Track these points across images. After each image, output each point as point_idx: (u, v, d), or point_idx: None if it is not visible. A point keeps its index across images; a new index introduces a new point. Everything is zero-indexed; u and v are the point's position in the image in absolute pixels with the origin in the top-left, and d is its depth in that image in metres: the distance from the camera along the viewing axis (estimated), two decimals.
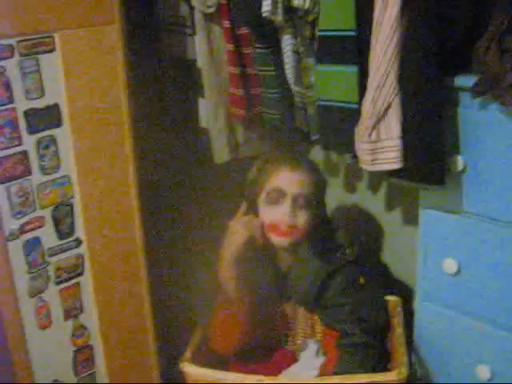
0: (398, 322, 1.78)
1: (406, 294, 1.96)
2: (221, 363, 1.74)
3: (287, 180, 1.68)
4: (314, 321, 1.94)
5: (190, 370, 1.65)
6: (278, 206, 1.68)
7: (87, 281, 1.70)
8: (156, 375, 1.90)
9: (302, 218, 1.68)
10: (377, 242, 2.14)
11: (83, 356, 1.75)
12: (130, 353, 1.83)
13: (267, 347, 1.87)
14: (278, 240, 1.69)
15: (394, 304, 1.85)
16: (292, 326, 1.95)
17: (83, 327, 1.73)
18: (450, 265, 1.60)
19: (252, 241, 1.68)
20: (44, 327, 1.65)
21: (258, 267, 1.77)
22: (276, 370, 1.75)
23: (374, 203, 2.11)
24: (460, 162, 1.50)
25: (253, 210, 1.74)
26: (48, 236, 1.60)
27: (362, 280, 1.75)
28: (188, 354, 1.71)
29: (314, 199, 1.72)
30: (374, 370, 1.63)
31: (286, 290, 1.82)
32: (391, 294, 1.89)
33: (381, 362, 1.69)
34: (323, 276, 1.71)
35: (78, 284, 1.69)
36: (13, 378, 1.60)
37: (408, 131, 1.43)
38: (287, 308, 1.92)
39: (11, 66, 1.45)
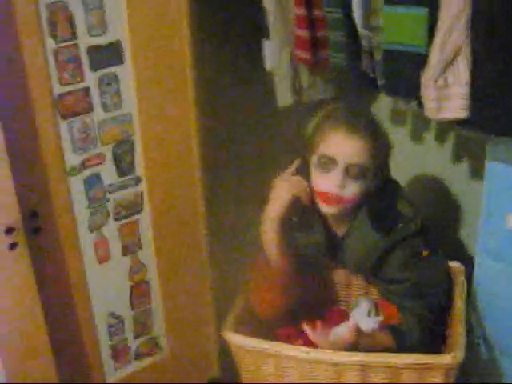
0: (459, 293, 1.66)
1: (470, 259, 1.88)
2: (266, 328, 1.69)
3: (340, 147, 1.53)
4: (369, 288, 1.87)
5: (232, 338, 1.61)
6: (329, 174, 1.54)
7: (146, 218, 1.73)
8: (210, 314, 1.92)
9: (353, 189, 1.55)
10: (443, 201, 2.08)
11: (140, 291, 1.79)
12: (186, 291, 1.86)
13: (317, 307, 1.80)
14: (325, 207, 1.58)
15: (458, 272, 1.74)
16: (345, 288, 1.90)
17: (141, 263, 1.76)
18: None
19: (298, 202, 1.60)
20: (102, 261, 1.69)
21: (305, 230, 1.68)
22: (327, 328, 1.64)
23: (441, 155, 2.05)
24: None
25: (304, 169, 1.64)
26: (108, 173, 1.63)
27: (425, 253, 1.61)
28: (230, 321, 1.65)
29: (372, 167, 1.57)
30: (429, 347, 1.56)
31: (340, 255, 1.71)
32: (455, 259, 1.77)
33: (437, 339, 1.62)
34: (383, 248, 1.59)
35: (136, 221, 1.72)
36: (71, 309, 1.65)
37: (478, 79, 1.36)
38: (341, 273, 1.86)
39: (75, 2, 1.45)
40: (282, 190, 1.58)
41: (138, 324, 1.82)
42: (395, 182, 1.71)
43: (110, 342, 1.78)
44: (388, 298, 1.67)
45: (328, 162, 1.54)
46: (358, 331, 1.52)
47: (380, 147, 1.58)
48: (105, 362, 1.78)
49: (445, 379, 1.47)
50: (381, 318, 1.73)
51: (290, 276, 1.60)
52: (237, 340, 1.61)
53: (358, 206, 1.60)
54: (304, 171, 1.63)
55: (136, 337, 1.83)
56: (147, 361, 1.87)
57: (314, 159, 1.59)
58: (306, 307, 1.72)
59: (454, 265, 1.75)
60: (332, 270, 1.85)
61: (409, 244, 1.58)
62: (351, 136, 1.53)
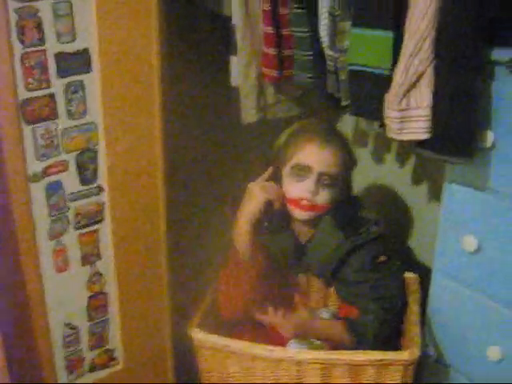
0: (414, 299, 1.76)
1: (426, 273, 1.94)
2: (229, 331, 1.73)
3: (314, 156, 1.65)
4: (328, 293, 1.96)
5: (198, 335, 1.65)
6: (302, 182, 1.66)
7: (106, 228, 1.71)
8: (168, 328, 1.91)
9: (325, 197, 1.67)
10: (401, 217, 2.13)
11: (97, 302, 1.77)
12: (144, 302, 1.85)
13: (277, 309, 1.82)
14: (298, 213, 1.68)
15: (413, 281, 1.84)
16: (305, 296, 1.95)
17: (99, 274, 1.74)
18: (470, 242, 1.58)
19: (270, 206, 1.67)
20: (61, 270, 1.67)
21: (274, 234, 1.76)
22: (285, 339, 1.73)
23: (400, 176, 2.09)
24: (490, 137, 1.46)
25: (276, 177, 1.72)
26: (70, 181, 1.61)
27: (382, 258, 1.73)
28: (196, 319, 1.70)
29: (340, 178, 1.69)
30: (383, 347, 1.61)
31: (303, 260, 1.80)
32: (410, 271, 1.88)
33: (392, 340, 1.70)
34: (344, 251, 1.68)
35: (97, 231, 1.70)
36: (27, 318, 1.62)
37: (439, 101, 1.40)
38: (301, 278, 1.92)
39: (44, 8, 1.44)
40: (257, 194, 1.65)
41: (94, 335, 1.80)
42: (356, 196, 1.83)
43: (64, 353, 1.75)
44: (347, 300, 1.74)
45: (302, 171, 1.65)
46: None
47: (347, 160, 1.71)
48: (58, 373, 1.75)
49: (403, 376, 1.55)
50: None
51: (259, 275, 1.67)
52: (202, 337, 1.65)
53: (323, 214, 1.70)
54: (276, 179, 1.71)
55: (91, 348, 1.80)
56: (102, 373, 1.85)
57: (286, 169, 1.69)
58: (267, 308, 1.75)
59: (409, 275, 1.87)
60: (294, 276, 1.89)
61: (369, 248, 1.69)
62: (325, 147, 1.65)
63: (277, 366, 1.59)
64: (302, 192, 1.65)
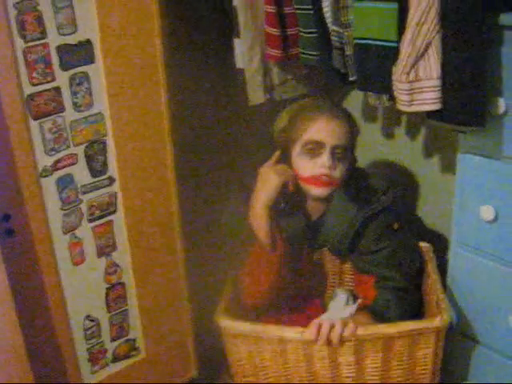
0: (432, 268, 1.77)
1: (440, 244, 1.93)
2: (253, 318, 1.71)
3: (325, 130, 1.64)
4: (343, 270, 1.97)
5: (226, 323, 1.64)
6: (317, 158, 1.65)
7: (120, 219, 1.71)
8: (187, 314, 1.91)
9: (340, 170, 1.67)
10: (413, 190, 2.11)
11: (116, 293, 1.77)
12: (162, 291, 1.85)
13: (298, 299, 1.86)
14: (316, 191, 1.67)
15: (427, 250, 1.84)
16: (321, 276, 1.95)
17: (116, 264, 1.74)
18: (487, 212, 1.57)
19: (284, 188, 1.66)
20: (77, 263, 1.67)
21: (288, 215, 1.74)
22: (308, 322, 1.67)
23: (411, 149, 2.07)
24: (501, 104, 1.44)
25: (284, 159, 1.71)
26: (81, 173, 1.61)
27: (395, 225, 1.74)
28: (222, 307, 1.68)
29: (349, 149, 1.70)
30: (408, 315, 1.64)
31: (316, 239, 1.79)
32: (423, 241, 1.88)
33: (416, 307, 1.70)
34: (358, 223, 1.69)
35: (110, 222, 1.70)
36: (46, 313, 1.63)
37: (448, 71, 1.38)
38: (316, 258, 1.91)
39: (44, 0, 1.43)
40: (272, 177, 1.64)
41: (115, 326, 1.80)
42: (363, 167, 1.88)
43: (86, 346, 1.75)
44: (365, 270, 1.75)
45: (315, 147, 1.64)
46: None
47: (353, 131, 1.72)
48: (81, 366, 1.75)
49: (435, 344, 1.56)
50: (358, 302, 1.78)
51: (279, 258, 1.66)
52: (231, 325, 1.63)
53: (337, 189, 1.70)
54: (284, 161, 1.71)
55: (113, 339, 1.81)
56: (124, 363, 1.85)
57: (296, 149, 1.67)
58: (288, 296, 1.77)
59: (424, 244, 1.86)
60: (311, 254, 1.88)
61: (382, 217, 1.70)
62: (333, 120, 1.65)
63: (309, 347, 1.58)
64: (320, 168, 1.64)
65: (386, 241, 1.70)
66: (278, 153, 1.73)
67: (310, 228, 1.77)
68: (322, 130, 1.64)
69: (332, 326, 1.53)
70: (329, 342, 1.54)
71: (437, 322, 1.55)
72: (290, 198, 1.71)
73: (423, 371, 1.61)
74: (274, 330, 1.59)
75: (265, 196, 1.63)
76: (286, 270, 1.69)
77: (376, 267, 1.70)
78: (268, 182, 1.64)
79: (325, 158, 1.63)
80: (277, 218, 1.69)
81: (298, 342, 1.58)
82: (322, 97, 1.86)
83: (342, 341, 1.54)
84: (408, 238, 1.78)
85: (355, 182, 1.73)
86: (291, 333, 1.58)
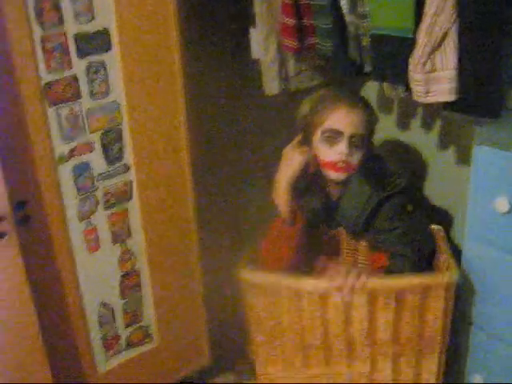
0: (443, 246, 1.82)
1: (453, 234, 1.94)
2: None
3: (343, 120, 1.73)
4: (357, 248, 2.00)
5: (247, 274, 1.70)
6: (335, 146, 1.74)
7: (135, 206, 1.72)
8: (201, 302, 1.93)
9: (357, 157, 1.76)
10: (428, 181, 2.10)
11: (130, 280, 1.79)
12: (176, 279, 1.86)
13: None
14: (334, 175, 1.77)
15: (439, 231, 1.90)
16: (336, 254, 1.99)
17: (130, 252, 1.76)
18: (502, 204, 1.56)
19: (306, 168, 1.76)
20: (93, 250, 1.69)
21: (309, 194, 1.83)
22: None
23: (426, 141, 2.06)
24: None
25: (306, 143, 1.79)
26: (97, 161, 1.62)
27: (409, 207, 1.83)
28: (243, 261, 1.75)
29: (367, 137, 1.79)
30: None
31: (334, 218, 1.86)
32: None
33: None
34: (374, 203, 1.77)
35: (125, 209, 1.72)
36: (61, 299, 1.65)
37: (464, 62, 1.37)
38: (332, 236, 1.97)
39: None
40: (295, 157, 1.74)
41: (129, 313, 1.82)
42: (379, 153, 1.92)
43: (100, 332, 1.77)
44: (379, 248, 1.80)
45: (334, 135, 1.73)
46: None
47: (371, 119, 1.80)
48: (96, 352, 1.78)
49: (445, 300, 1.62)
50: None
51: (298, 232, 1.75)
52: (252, 276, 1.69)
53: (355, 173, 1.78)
54: (305, 144, 1.79)
55: (126, 326, 1.83)
56: (138, 350, 1.87)
57: (317, 136, 1.76)
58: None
59: (434, 226, 1.92)
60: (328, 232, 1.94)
61: (396, 199, 1.78)
62: (352, 110, 1.73)
63: (324, 300, 1.64)
64: (338, 155, 1.73)
65: (400, 221, 1.76)
66: (299, 136, 1.81)
67: (329, 208, 1.86)
68: (341, 119, 1.73)
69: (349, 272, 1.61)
70: (346, 288, 1.60)
71: (446, 276, 1.62)
72: (311, 179, 1.81)
73: (433, 331, 1.67)
74: (291, 280, 1.65)
75: (287, 174, 1.73)
76: (304, 245, 1.77)
77: (389, 245, 1.76)
78: (291, 161, 1.74)
79: (343, 146, 1.72)
80: (297, 197, 1.78)
81: (313, 293, 1.63)
82: (342, 86, 1.93)
83: (357, 287, 1.59)
84: (420, 220, 1.85)
85: (372, 166, 1.81)
86: (308, 282, 1.64)
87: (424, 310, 1.64)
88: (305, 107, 1.81)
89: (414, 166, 2.11)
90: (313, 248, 1.85)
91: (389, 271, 1.70)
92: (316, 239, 1.88)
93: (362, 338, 1.67)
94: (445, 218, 2.04)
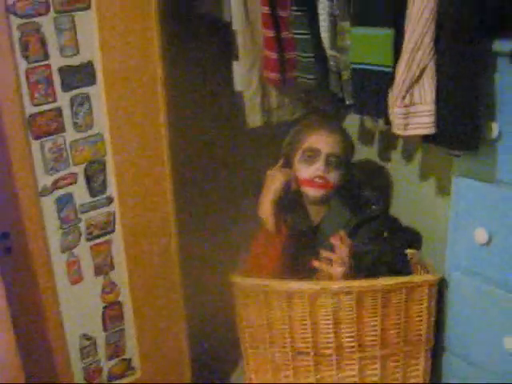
0: (419, 271, 1.92)
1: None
2: None
3: (322, 140, 1.88)
4: None
5: (238, 279, 1.79)
6: (313, 164, 1.88)
7: (118, 238, 1.73)
8: (185, 334, 1.92)
9: (334, 176, 1.90)
10: (408, 211, 2.12)
11: (112, 312, 1.78)
12: (159, 311, 1.85)
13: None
14: (312, 192, 1.90)
15: (414, 255, 1.99)
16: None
17: (113, 283, 1.75)
18: (481, 234, 1.58)
19: (288, 187, 1.88)
20: (75, 282, 1.68)
21: (291, 212, 1.94)
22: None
23: (407, 173, 2.09)
24: (495, 129, 1.46)
25: (288, 165, 1.94)
26: (80, 193, 1.63)
27: (385, 234, 1.94)
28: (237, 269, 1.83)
29: (344, 159, 1.93)
30: None
31: (317, 240, 1.92)
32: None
33: None
34: (351, 226, 1.86)
35: (109, 241, 1.72)
36: (43, 330, 1.64)
37: (443, 95, 1.41)
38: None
39: (46, 23, 1.46)
40: (278, 177, 1.88)
41: (111, 345, 1.81)
42: (358, 179, 2.04)
43: (82, 364, 1.76)
44: (355, 271, 1.82)
45: (312, 154, 1.88)
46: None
47: (348, 144, 1.96)
48: None
49: (428, 299, 1.72)
50: None
51: (283, 242, 1.86)
52: (243, 281, 1.78)
53: (332, 196, 1.92)
54: (287, 167, 1.94)
55: (109, 358, 1.81)
56: (120, 382, 1.86)
57: (298, 156, 1.91)
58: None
59: (410, 251, 2.00)
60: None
61: (373, 224, 1.90)
62: (330, 131, 1.91)
63: (314, 301, 1.72)
64: (315, 171, 1.88)
65: (375, 245, 1.86)
66: (282, 160, 1.96)
67: (311, 231, 1.95)
68: (319, 139, 1.89)
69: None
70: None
71: (429, 275, 1.75)
72: (292, 198, 1.92)
73: (418, 333, 1.76)
74: (281, 283, 1.75)
75: (271, 192, 1.86)
76: (291, 253, 1.86)
77: (364, 268, 1.81)
78: (274, 181, 1.87)
79: (320, 163, 1.87)
80: (282, 212, 1.89)
81: (303, 295, 1.71)
82: (326, 115, 2.08)
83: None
84: (396, 244, 1.94)
85: (350, 191, 1.94)
86: (297, 284, 1.72)
87: (409, 309, 1.73)
88: (290, 135, 1.97)
89: (394, 194, 2.15)
90: (297, 261, 1.90)
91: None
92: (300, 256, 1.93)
93: (351, 341, 1.74)
94: (423, 246, 2.07)
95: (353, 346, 1.75)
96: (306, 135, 1.91)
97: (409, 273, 1.90)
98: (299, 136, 1.93)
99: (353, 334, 1.74)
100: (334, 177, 1.90)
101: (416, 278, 1.76)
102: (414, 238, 2.11)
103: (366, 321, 1.73)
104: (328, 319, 1.73)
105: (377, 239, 1.89)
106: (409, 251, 1.99)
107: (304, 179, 1.90)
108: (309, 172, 1.89)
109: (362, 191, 1.96)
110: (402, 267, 1.88)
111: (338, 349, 1.75)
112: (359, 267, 1.80)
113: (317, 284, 1.72)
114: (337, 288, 1.70)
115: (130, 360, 1.86)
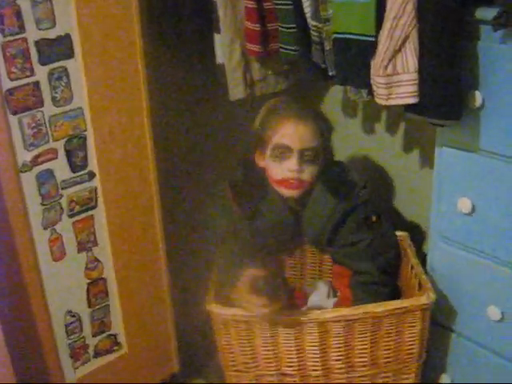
0: (410, 253, 1.81)
1: (419, 236, 1.96)
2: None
3: (292, 135, 1.66)
4: (322, 261, 2.02)
5: (217, 309, 1.66)
6: (285, 162, 1.68)
7: (101, 214, 1.71)
8: (170, 309, 1.92)
9: (310, 171, 1.70)
10: (392, 184, 2.13)
11: (97, 288, 1.77)
12: (144, 287, 1.85)
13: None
14: (287, 192, 1.72)
15: (404, 238, 1.89)
16: (301, 267, 2.02)
17: (97, 260, 1.74)
18: (465, 204, 1.59)
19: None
20: (58, 259, 1.67)
21: (268, 204, 1.79)
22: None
23: (391, 143, 2.09)
24: (478, 98, 1.46)
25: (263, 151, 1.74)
26: (61, 168, 1.60)
27: (373, 218, 1.78)
28: (211, 295, 1.70)
29: (321, 149, 1.72)
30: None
31: (297, 231, 1.83)
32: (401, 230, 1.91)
33: (393, 298, 1.72)
34: (338, 215, 1.73)
35: (91, 217, 1.70)
36: (27, 308, 1.62)
37: (425, 64, 1.40)
38: (296, 250, 1.99)
39: None
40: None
41: (96, 321, 1.80)
42: (342, 161, 1.89)
43: (67, 341, 1.75)
44: (342, 263, 1.79)
45: (283, 151, 1.67)
46: None
47: (323, 130, 1.73)
48: (63, 361, 1.75)
49: (421, 322, 1.64)
50: (338, 295, 1.86)
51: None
52: (223, 311, 1.65)
53: (312, 188, 1.74)
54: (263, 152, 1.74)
55: (94, 334, 1.81)
56: (106, 358, 1.85)
57: (267, 151, 1.71)
58: None
59: (400, 233, 1.89)
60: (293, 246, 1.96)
61: (360, 210, 1.74)
62: (300, 123, 1.67)
63: (300, 329, 1.62)
64: (287, 172, 1.68)
65: (364, 233, 1.73)
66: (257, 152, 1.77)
67: (293, 220, 1.80)
68: (289, 134, 1.67)
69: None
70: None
71: (423, 299, 1.61)
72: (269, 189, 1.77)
73: (410, 352, 1.68)
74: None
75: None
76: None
77: (353, 260, 1.75)
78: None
79: (292, 162, 1.66)
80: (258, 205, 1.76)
81: (288, 325, 1.61)
82: (292, 98, 1.85)
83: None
84: (386, 229, 1.80)
85: (335, 177, 1.77)
86: (283, 316, 1.61)
87: (401, 334, 1.65)
88: (257, 121, 1.77)
89: (380, 170, 2.14)
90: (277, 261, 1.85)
91: (355, 300, 1.70)
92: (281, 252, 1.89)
93: (339, 364, 1.66)
94: (410, 224, 2.06)
95: (341, 368, 1.67)
96: (271, 130, 1.69)
97: (399, 261, 1.82)
98: (265, 129, 1.71)
99: (341, 358, 1.65)
100: (310, 172, 1.69)
101: (408, 303, 1.62)
102: (403, 219, 2.06)
103: (355, 345, 1.64)
104: (315, 345, 1.64)
105: (365, 227, 1.74)
106: (399, 234, 1.88)
107: (276, 180, 1.71)
108: (280, 172, 1.69)
109: (347, 174, 1.79)
110: (391, 255, 1.79)
111: (325, 370, 1.67)
112: (347, 259, 1.76)
113: (302, 315, 1.62)
114: (323, 318, 1.60)
115: (115, 336, 1.86)
